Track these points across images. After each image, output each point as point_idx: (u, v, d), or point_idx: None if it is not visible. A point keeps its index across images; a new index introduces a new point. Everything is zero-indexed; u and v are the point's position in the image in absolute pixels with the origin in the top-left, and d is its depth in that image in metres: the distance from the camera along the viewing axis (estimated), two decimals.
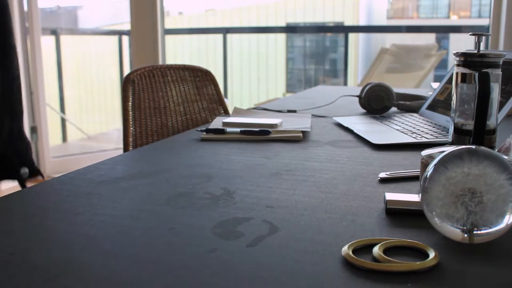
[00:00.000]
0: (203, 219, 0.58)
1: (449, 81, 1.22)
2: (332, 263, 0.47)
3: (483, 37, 0.82)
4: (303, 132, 1.12)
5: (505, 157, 0.52)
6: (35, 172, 1.94)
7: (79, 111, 4.85)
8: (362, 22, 9.16)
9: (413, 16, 14.04)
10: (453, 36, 8.82)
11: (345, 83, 5.30)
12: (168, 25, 6.63)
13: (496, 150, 0.76)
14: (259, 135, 1.05)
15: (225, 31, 5.08)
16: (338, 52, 8.15)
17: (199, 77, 1.68)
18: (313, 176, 0.76)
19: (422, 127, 1.12)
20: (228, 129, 1.09)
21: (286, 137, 1.05)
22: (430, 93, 1.57)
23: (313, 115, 1.37)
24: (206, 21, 8.74)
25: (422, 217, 0.57)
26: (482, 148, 0.51)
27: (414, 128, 1.12)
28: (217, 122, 1.21)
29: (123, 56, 4.38)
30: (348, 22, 8.68)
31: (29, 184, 2.01)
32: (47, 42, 3.94)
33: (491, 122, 0.80)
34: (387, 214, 0.60)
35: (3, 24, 1.66)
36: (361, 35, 8.13)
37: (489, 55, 0.79)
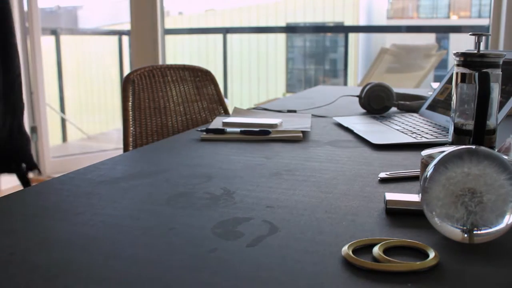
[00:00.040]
0: (203, 219, 0.58)
1: (449, 81, 1.22)
2: (332, 263, 0.47)
3: (483, 37, 0.82)
4: (303, 132, 1.12)
5: (505, 157, 0.52)
6: (32, 166, 1.96)
7: (79, 111, 4.85)
8: (362, 22, 9.16)
9: (413, 16, 14.04)
10: (453, 36, 8.82)
11: (345, 83, 5.31)
12: (168, 25, 6.63)
13: (496, 150, 0.76)
14: (259, 135, 1.05)
15: (225, 31, 5.08)
16: (338, 52, 8.15)
17: (199, 77, 1.68)
18: (313, 176, 0.76)
19: (422, 127, 1.12)
20: (228, 129, 1.09)
21: (286, 137, 1.05)
22: (430, 93, 1.57)
23: (313, 115, 1.37)
24: (206, 21, 8.74)
25: (422, 217, 0.57)
26: (482, 148, 0.51)
27: (414, 128, 1.12)
28: (217, 122, 1.21)
29: (123, 56, 4.38)
30: (348, 22, 8.68)
31: (29, 177, 2.03)
32: (47, 42, 3.94)
33: (491, 122, 0.80)
34: (387, 214, 0.60)
35: (4, 23, 1.67)
36: (361, 35, 8.13)
37: (489, 55, 0.79)
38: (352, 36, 6.84)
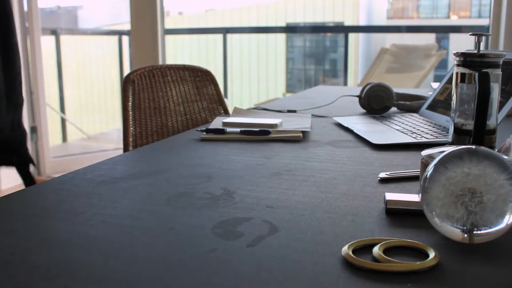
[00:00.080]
0: (203, 219, 0.58)
1: (449, 81, 1.22)
2: (332, 263, 0.47)
3: (483, 37, 0.82)
4: (303, 132, 1.12)
5: (505, 157, 0.52)
6: (28, 160, 1.98)
7: (79, 111, 4.85)
8: (362, 22, 9.16)
9: (413, 16, 14.04)
10: (453, 36, 8.82)
11: (345, 83, 5.30)
12: (168, 25, 6.63)
13: (496, 150, 0.76)
14: (259, 135, 1.05)
15: (225, 31, 5.08)
16: (338, 52, 8.15)
17: (199, 77, 1.68)
18: (313, 176, 0.76)
19: (422, 127, 1.12)
20: (228, 129, 1.09)
21: (286, 137, 1.05)
22: (430, 93, 1.57)
23: (313, 115, 1.37)
24: (206, 21, 8.73)
25: (422, 217, 0.57)
26: (482, 148, 0.51)
27: (414, 128, 1.12)
28: (217, 122, 1.21)
29: (123, 56, 4.38)
30: (348, 22, 8.68)
31: (31, 172, 2.04)
32: (47, 42, 3.94)
33: (491, 122, 0.80)
34: (387, 214, 0.60)
35: (6, 22, 1.68)
36: (361, 35, 8.12)
37: (489, 55, 0.79)
38: (352, 36, 6.84)
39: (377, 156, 0.90)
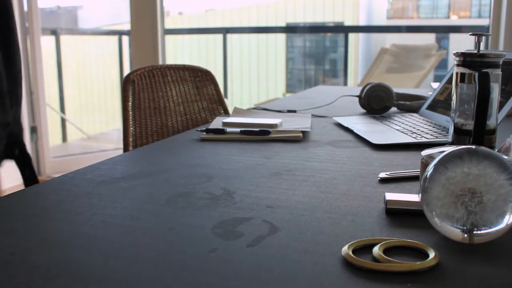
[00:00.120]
0: (203, 219, 0.58)
1: (449, 81, 1.22)
2: (332, 263, 0.47)
3: (483, 37, 0.82)
4: (303, 132, 1.12)
5: (505, 157, 0.52)
6: (27, 154, 2.00)
7: (79, 111, 4.85)
8: (362, 22, 9.16)
9: (413, 16, 14.04)
10: (453, 36, 8.82)
11: (345, 83, 5.30)
12: (168, 25, 6.63)
13: (496, 150, 0.76)
14: (259, 135, 1.05)
15: (225, 31, 5.08)
16: (338, 52, 8.15)
17: (199, 77, 1.68)
18: (313, 176, 0.76)
19: (422, 127, 1.12)
20: (228, 129, 1.09)
21: (286, 137, 1.05)
22: (430, 93, 1.57)
23: (313, 115, 1.37)
24: (206, 21, 8.73)
25: (422, 217, 0.57)
26: (482, 148, 0.51)
27: (414, 128, 1.12)
28: (217, 122, 1.21)
29: (123, 56, 4.38)
30: (348, 22, 8.68)
31: (33, 167, 2.05)
32: (47, 42, 3.94)
33: (491, 122, 0.80)
34: (387, 214, 0.60)
35: (7, 21, 1.69)
36: (361, 35, 8.12)
37: (489, 55, 0.79)
38: (352, 36, 6.84)
39: (377, 156, 0.90)
